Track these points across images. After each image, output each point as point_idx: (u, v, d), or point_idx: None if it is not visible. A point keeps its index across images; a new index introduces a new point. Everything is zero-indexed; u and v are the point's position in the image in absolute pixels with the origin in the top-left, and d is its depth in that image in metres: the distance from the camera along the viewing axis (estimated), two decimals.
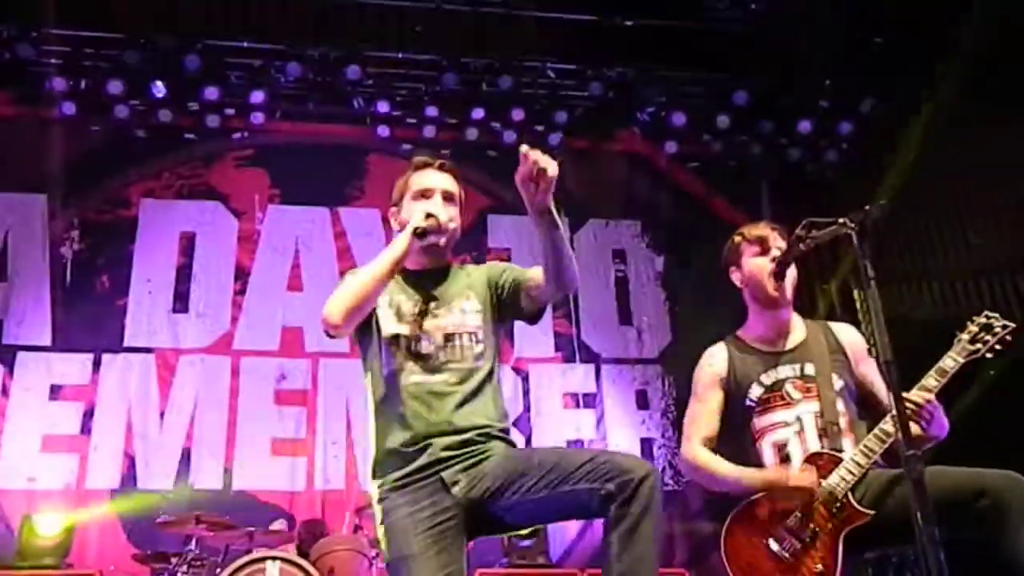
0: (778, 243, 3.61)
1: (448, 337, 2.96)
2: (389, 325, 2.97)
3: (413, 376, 2.90)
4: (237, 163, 8.74)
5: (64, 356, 7.81)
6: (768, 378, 3.56)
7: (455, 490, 2.78)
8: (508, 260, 8.45)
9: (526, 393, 8.38)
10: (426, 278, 3.09)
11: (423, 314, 2.98)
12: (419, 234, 2.96)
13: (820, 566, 3.21)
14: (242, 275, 8.40)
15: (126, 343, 7.99)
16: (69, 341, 7.89)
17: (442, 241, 3.05)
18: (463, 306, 3.02)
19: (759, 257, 3.61)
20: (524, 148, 2.60)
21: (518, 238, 8.69)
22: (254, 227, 8.56)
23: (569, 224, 8.43)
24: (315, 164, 8.59)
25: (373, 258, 2.97)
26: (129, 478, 7.57)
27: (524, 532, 5.61)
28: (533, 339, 8.45)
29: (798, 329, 3.67)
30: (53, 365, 7.77)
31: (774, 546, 3.31)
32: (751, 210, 8.55)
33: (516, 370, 8.38)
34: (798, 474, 3.33)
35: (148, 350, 7.99)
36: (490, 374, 2.98)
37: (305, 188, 8.62)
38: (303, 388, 8.10)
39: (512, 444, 2.98)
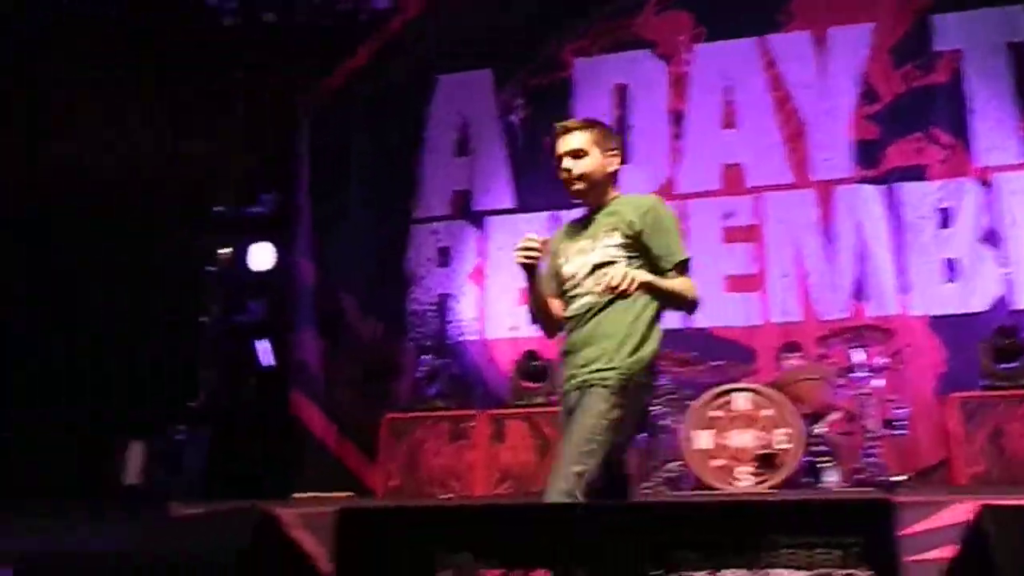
0: None
1: (596, 267, 3.31)
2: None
3: None
4: (658, 8, 8.75)
5: (527, 216, 8.48)
6: None
7: None
8: (959, 64, 7.76)
9: None
10: (581, 223, 3.48)
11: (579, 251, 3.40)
12: (525, 268, 3.32)
13: None
14: (677, 119, 8.49)
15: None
16: (529, 202, 8.55)
17: (577, 186, 3.40)
18: (601, 241, 3.34)
19: None
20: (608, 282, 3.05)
21: (967, 37, 7.89)
22: (682, 69, 8.58)
23: None
24: None
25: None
26: None
27: None
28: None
29: None
30: (518, 225, 8.48)
31: None
32: None
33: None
34: None
35: None
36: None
37: (730, 22, 8.43)
38: (749, 223, 8.11)
39: None
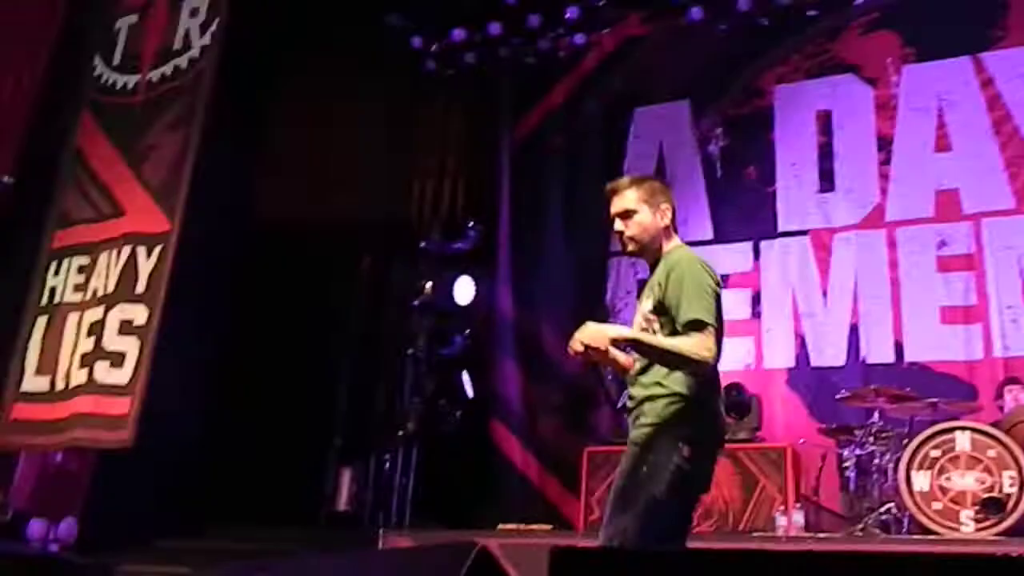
0: None
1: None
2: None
3: None
4: (862, 30, 8.48)
5: (726, 247, 8.35)
6: None
7: None
8: None
9: None
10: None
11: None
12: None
13: None
14: (885, 144, 8.17)
15: (780, 228, 8.29)
16: (728, 233, 8.42)
17: (630, 248, 3.48)
18: (644, 305, 3.42)
19: None
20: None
21: None
22: (890, 92, 8.25)
23: None
24: (948, 12, 7.97)
25: None
26: (802, 357, 7.90)
27: None
28: None
29: None
30: (717, 256, 8.35)
31: None
32: None
33: None
34: None
35: (802, 232, 8.20)
36: None
37: (940, 40, 8.06)
38: (967, 252, 7.68)
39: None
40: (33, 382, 8.14)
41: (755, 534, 6.61)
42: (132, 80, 9.04)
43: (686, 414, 3.21)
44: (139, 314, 7.71)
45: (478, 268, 8.67)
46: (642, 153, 8.97)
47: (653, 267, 3.47)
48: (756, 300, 8.20)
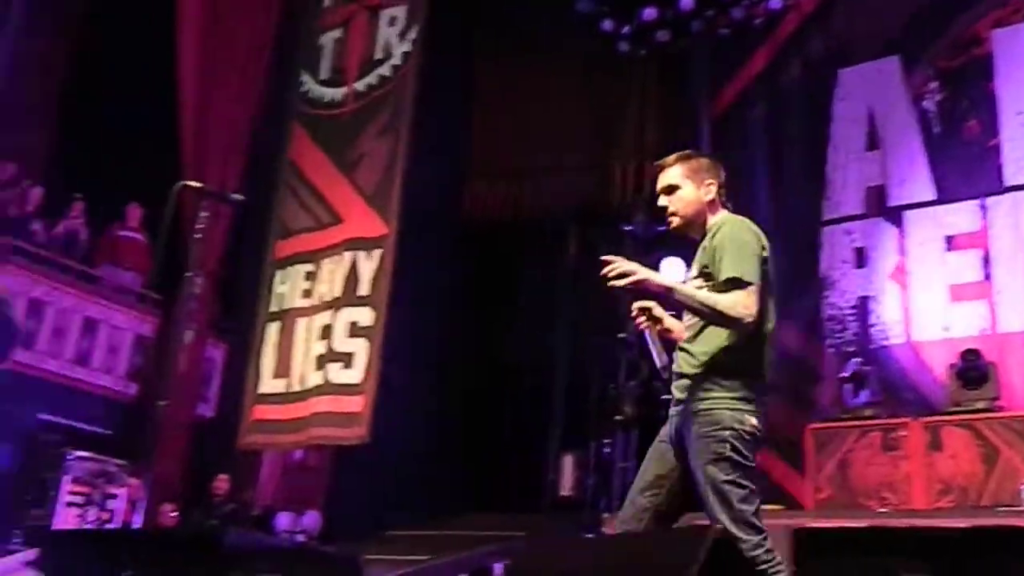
0: None
1: None
2: None
3: None
4: None
5: (950, 207, 7.91)
6: None
7: None
8: None
9: None
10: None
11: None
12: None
13: None
14: None
15: (1007, 183, 7.77)
16: (951, 192, 7.96)
17: (674, 223, 3.40)
18: (692, 273, 3.34)
19: None
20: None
21: None
22: None
23: None
24: None
25: None
26: None
27: None
28: None
29: None
30: (941, 217, 7.93)
31: None
32: None
33: None
34: None
35: None
36: None
37: None
38: None
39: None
40: (270, 384, 8.71)
41: (999, 509, 6.23)
42: (339, 93, 9.50)
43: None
44: (365, 316, 8.12)
45: (686, 247, 8.57)
46: (849, 116, 8.60)
47: (699, 243, 3.40)
48: (986, 261, 7.71)
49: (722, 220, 3.35)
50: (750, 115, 9.02)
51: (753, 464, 3.14)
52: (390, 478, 8.21)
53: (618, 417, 8.04)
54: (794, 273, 8.44)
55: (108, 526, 8.49)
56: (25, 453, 8.65)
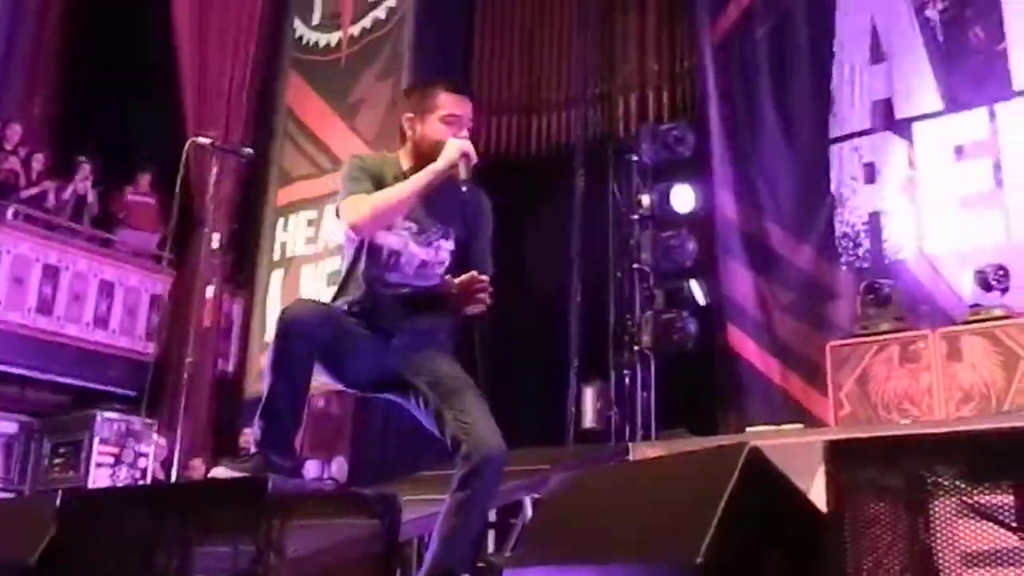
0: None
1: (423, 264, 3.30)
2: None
3: None
4: None
5: (958, 117, 7.83)
6: None
7: None
8: None
9: None
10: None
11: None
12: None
13: None
14: None
15: (1016, 87, 7.66)
16: (958, 101, 7.88)
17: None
18: (440, 243, 3.32)
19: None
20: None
21: None
22: None
23: None
24: None
25: None
26: None
27: None
28: None
29: None
30: (949, 128, 7.86)
31: None
32: None
33: None
34: None
35: None
36: None
37: None
38: None
39: None
40: None
41: None
42: (334, 37, 9.42)
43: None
44: None
45: (694, 174, 8.56)
46: (852, 29, 8.47)
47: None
48: (997, 168, 7.65)
49: None
50: (752, 37, 8.90)
51: None
52: (414, 422, 8.27)
53: (636, 348, 8.09)
54: (805, 192, 8.43)
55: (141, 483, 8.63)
56: None
